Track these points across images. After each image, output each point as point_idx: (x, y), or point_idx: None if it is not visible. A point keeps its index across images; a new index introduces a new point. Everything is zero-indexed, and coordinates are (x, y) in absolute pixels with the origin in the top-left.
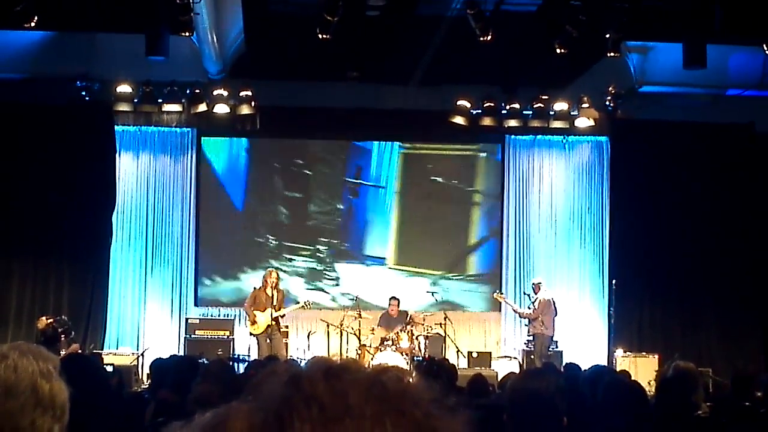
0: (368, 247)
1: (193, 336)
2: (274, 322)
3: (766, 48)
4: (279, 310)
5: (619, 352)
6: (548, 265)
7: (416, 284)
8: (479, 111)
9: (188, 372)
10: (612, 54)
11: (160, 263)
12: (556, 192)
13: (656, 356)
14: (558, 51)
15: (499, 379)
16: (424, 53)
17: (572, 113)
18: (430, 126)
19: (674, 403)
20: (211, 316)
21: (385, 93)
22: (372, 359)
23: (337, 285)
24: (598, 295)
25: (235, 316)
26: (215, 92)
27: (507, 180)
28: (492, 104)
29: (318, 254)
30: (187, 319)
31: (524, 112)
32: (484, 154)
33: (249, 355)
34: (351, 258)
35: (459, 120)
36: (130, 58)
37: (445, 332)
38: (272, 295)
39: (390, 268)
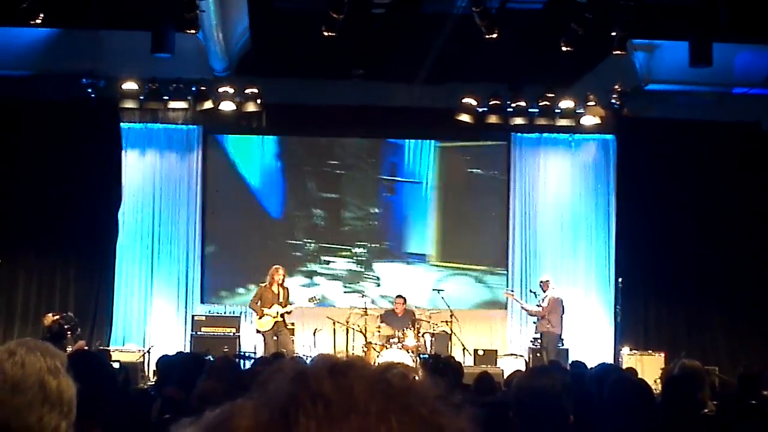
0: (409, 244)
1: (199, 333)
2: (281, 319)
3: None
4: (286, 306)
5: (625, 350)
6: (554, 263)
7: (460, 281)
8: (485, 109)
9: (194, 369)
10: (618, 52)
11: (166, 260)
12: (562, 190)
13: (662, 354)
14: (564, 49)
15: (505, 377)
16: (430, 51)
17: (578, 111)
18: (435, 124)
19: (680, 402)
20: (217, 313)
21: (390, 90)
22: (378, 357)
23: (378, 286)
24: (604, 293)
25: (241, 313)
26: (221, 89)
27: (513, 178)
28: (498, 102)
29: (357, 256)
30: (193, 316)
31: (530, 110)
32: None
33: (255, 353)
34: (391, 257)
35: (465, 118)
36: (136, 55)
37: (451, 330)
38: (278, 292)
39: (432, 264)
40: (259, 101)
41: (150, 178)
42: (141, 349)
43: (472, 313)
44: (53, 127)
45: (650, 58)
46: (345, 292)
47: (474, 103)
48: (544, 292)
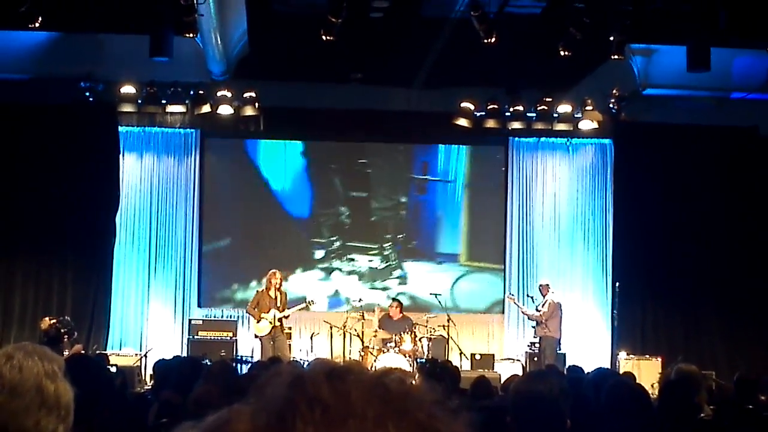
0: (439, 244)
1: (196, 337)
2: (278, 324)
3: None
4: (283, 311)
5: (622, 354)
6: (551, 268)
7: (490, 281)
8: (483, 113)
9: (191, 373)
10: (616, 56)
11: (163, 264)
12: (559, 194)
13: (659, 359)
14: (562, 53)
15: (502, 382)
16: (428, 55)
17: (576, 116)
18: (433, 128)
19: (677, 406)
20: (215, 317)
21: (388, 95)
22: (375, 361)
23: (404, 284)
24: (601, 297)
25: (238, 317)
26: (219, 93)
27: (510, 182)
28: (496, 106)
29: (384, 253)
30: (190, 320)
31: (528, 114)
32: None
33: (252, 357)
34: (420, 256)
35: (463, 122)
36: (134, 59)
37: (448, 334)
38: (276, 296)
39: (462, 265)
40: (256, 105)
41: (147, 181)
42: (138, 353)
43: (469, 318)
44: (51, 131)
45: (648, 62)
46: (369, 289)
47: (472, 107)
48: (544, 296)
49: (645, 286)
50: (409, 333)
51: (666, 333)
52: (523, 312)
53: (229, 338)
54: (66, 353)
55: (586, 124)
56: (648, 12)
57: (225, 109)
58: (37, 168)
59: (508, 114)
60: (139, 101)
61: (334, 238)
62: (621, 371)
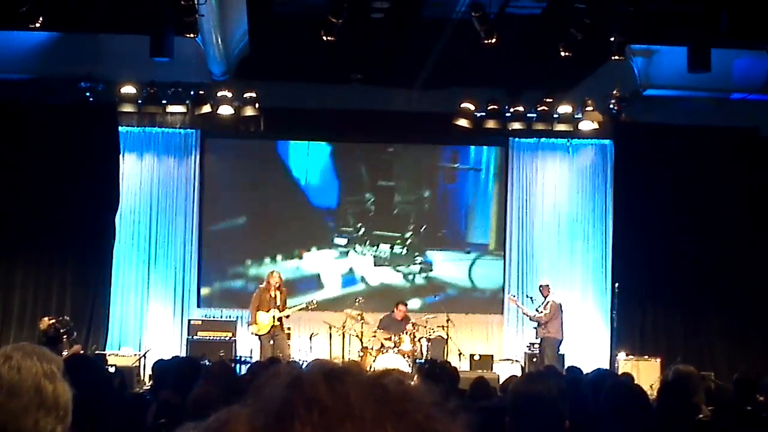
0: (468, 233)
1: (195, 337)
2: (278, 323)
3: None
4: (283, 310)
5: (621, 355)
6: (551, 268)
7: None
8: (483, 114)
9: (190, 373)
10: (616, 57)
11: (162, 264)
12: (559, 195)
13: (658, 360)
14: (562, 54)
15: (501, 382)
16: (429, 56)
17: (576, 116)
18: (434, 128)
19: (676, 407)
20: (214, 317)
21: (389, 95)
22: (374, 361)
23: (430, 271)
24: (600, 298)
25: (237, 317)
26: (219, 94)
27: (510, 182)
28: (496, 107)
29: (408, 241)
30: (189, 321)
31: (528, 114)
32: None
33: (251, 357)
34: (448, 245)
35: (463, 122)
36: (135, 59)
37: (447, 335)
38: (275, 295)
39: (489, 254)
40: (257, 105)
41: (147, 181)
42: (137, 353)
43: (468, 318)
44: (52, 131)
45: (648, 63)
46: (387, 270)
47: (472, 107)
48: (544, 297)
49: (644, 287)
50: (408, 333)
51: (665, 334)
52: (524, 313)
53: (228, 338)
54: (65, 353)
55: (587, 125)
56: (648, 13)
57: (225, 110)
58: (37, 168)
59: (508, 114)
60: (140, 101)
61: (359, 225)
62: (620, 372)
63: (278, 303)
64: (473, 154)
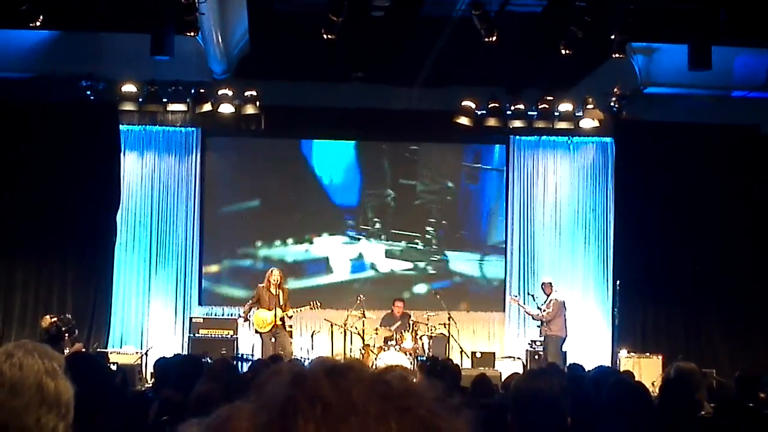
0: (488, 235)
1: (197, 335)
2: (280, 322)
3: None
4: (286, 308)
5: (623, 352)
6: (552, 266)
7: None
8: (484, 112)
9: (192, 371)
10: (617, 55)
11: (164, 262)
12: (560, 193)
13: (660, 357)
14: (563, 52)
15: (502, 380)
16: (429, 54)
17: (577, 114)
18: (435, 127)
19: (677, 404)
20: (215, 315)
21: (389, 94)
22: (376, 359)
23: (446, 271)
24: (602, 295)
25: (239, 315)
26: (220, 92)
27: (511, 181)
28: (497, 105)
29: (427, 239)
30: (191, 318)
31: (529, 112)
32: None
33: (253, 355)
34: (467, 247)
35: (464, 120)
36: (135, 58)
37: (449, 332)
38: (277, 293)
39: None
40: (257, 104)
41: (148, 180)
42: (138, 351)
43: (470, 316)
44: (52, 130)
45: (649, 61)
46: (396, 260)
47: (473, 106)
48: (547, 294)
49: (646, 285)
50: (410, 331)
51: (666, 331)
52: (527, 312)
53: (229, 336)
54: (66, 351)
55: (587, 123)
56: (649, 10)
57: (226, 108)
58: (38, 166)
59: (509, 112)
60: (140, 100)
61: (376, 220)
62: (621, 369)
63: (281, 302)
64: (497, 154)
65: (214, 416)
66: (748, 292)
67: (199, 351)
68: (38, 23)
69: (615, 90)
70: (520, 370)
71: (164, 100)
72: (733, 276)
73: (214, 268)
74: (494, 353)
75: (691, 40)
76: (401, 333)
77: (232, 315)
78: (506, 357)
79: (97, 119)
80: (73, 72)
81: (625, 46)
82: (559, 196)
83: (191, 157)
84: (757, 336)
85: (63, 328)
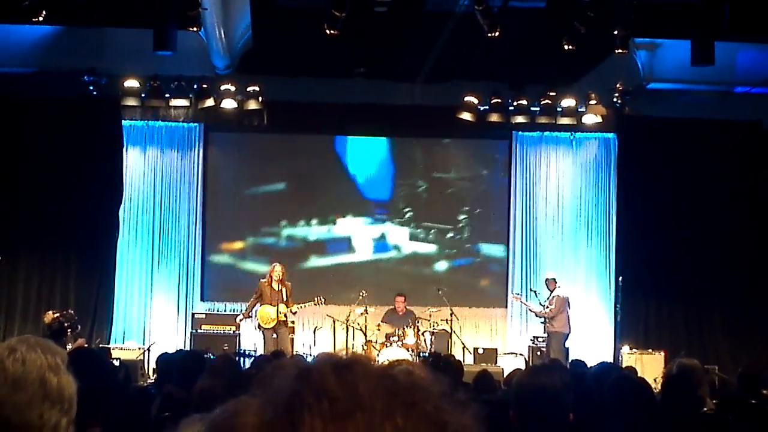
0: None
1: (199, 331)
2: (284, 318)
3: None
4: (290, 304)
5: (625, 349)
6: (555, 262)
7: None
8: (486, 107)
9: (194, 367)
10: (620, 51)
11: (166, 258)
12: (563, 188)
13: (662, 353)
14: (566, 47)
15: (504, 376)
16: (432, 49)
17: (580, 110)
18: (437, 122)
19: (679, 400)
20: (218, 311)
21: (392, 89)
22: (378, 355)
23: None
24: (604, 291)
25: (241, 311)
26: (222, 87)
27: (514, 176)
28: (499, 100)
29: (461, 229)
30: (193, 314)
31: (532, 108)
32: None
33: (255, 351)
34: (499, 239)
35: (466, 116)
36: (138, 53)
37: (451, 328)
38: (279, 289)
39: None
40: (260, 99)
41: (151, 175)
42: (141, 347)
43: (472, 312)
44: (55, 125)
45: (652, 56)
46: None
47: (476, 101)
48: (551, 290)
49: (648, 281)
50: (412, 327)
51: (669, 327)
52: (530, 309)
53: (232, 332)
54: (69, 347)
55: (590, 119)
56: (652, 6)
57: (229, 103)
58: (41, 162)
59: (511, 108)
60: (143, 95)
61: (407, 209)
62: (624, 366)
63: (284, 298)
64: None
65: (221, 411)
66: (751, 289)
67: (201, 347)
68: (41, 18)
69: (618, 86)
70: (523, 367)
71: (167, 95)
72: (736, 272)
73: (238, 245)
74: (496, 349)
75: (693, 36)
76: (403, 329)
77: (234, 311)
78: (508, 353)
79: (99, 114)
80: (76, 67)
81: (628, 41)
82: (562, 192)
83: (194, 153)
84: (759, 332)
85: (65, 324)
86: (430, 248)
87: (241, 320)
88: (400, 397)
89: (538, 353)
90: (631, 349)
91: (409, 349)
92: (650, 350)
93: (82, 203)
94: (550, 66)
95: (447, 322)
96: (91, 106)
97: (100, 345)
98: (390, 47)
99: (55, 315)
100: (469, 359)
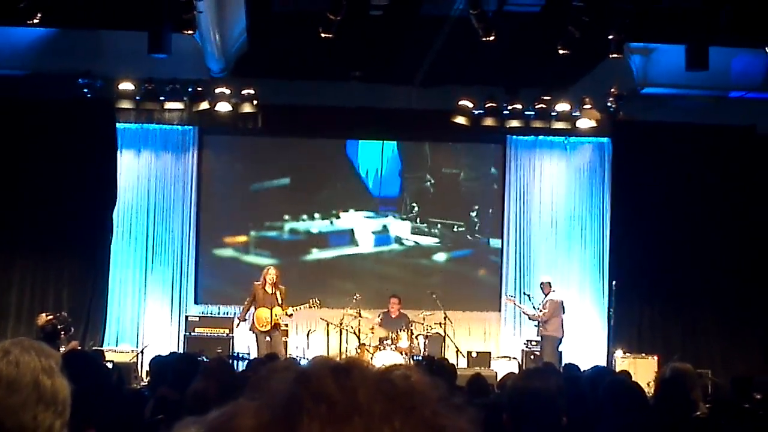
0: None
1: (192, 333)
2: (278, 321)
3: None
4: (285, 307)
5: (618, 353)
6: (549, 266)
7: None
8: (481, 111)
9: (188, 369)
10: (614, 55)
11: (160, 261)
12: (557, 193)
13: (656, 357)
14: (560, 52)
15: (498, 379)
16: (427, 53)
17: (574, 114)
18: (432, 126)
19: (673, 404)
20: (211, 314)
21: (387, 93)
22: (371, 358)
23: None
24: (598, 295)
25: (234, 314)
26: (217, 90)
27: (508, 180)
28: (494, 104)
29: (471, 225)
30: (186, 317)
31: (526, 112)
32: None
33: (249, 354)
34: (493, 243)
35: (461, 120)
36: (133, 56)
37: (444, 332)
38: (273, 292)
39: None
40: (255, 102)
41: (145, 178)
42: (134, 350)
43: (465, 315)
44: (49, 127)
45: (647, 61)
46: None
47: (470, 105)
48: (545, 294)
49: (642, 285)
50: (406, 330)
51: (662, 332)
52: (524, 312)
53: (225, 335)
54: (62, 349)
55: (584, 123)
56: (647, 11)
57: (223, 106)
58: (35, 164)
59: (506, 112)
60: (138, 98)
61: (413, 204)
62: (617, 369)
63: (279, 301)
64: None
65: (218, 413)
66: (744, 293)
67: (195, 349)
68: (36, 20)
69: (612, 90)
70: (516, 370)
71: (161, 98)
72: (729, 276)
73: (242, 239)
74: (490, 353)
75: (688, 41)
76: (397, 332)
77: (227, 314)
78: (502, 357)
79: (94, 117)
80: (71, 69)
81: (623, 46)
82: (556, 197)
83: (188, 156)
84: (752, 337)
85: (59, 326)
86: (431, 240)
87: (237, 325)
88: (398, 401)
89: (532, 357)
90: (624, 353)
91: (403, 353)
92: (643, 354)
93: (76, 205)
94: (544, 70)
95: (440, 326)
96: (86, 109)
97: (94, 347)
98: (385, 51)
99: (49, 317)
100: (462, 363)
